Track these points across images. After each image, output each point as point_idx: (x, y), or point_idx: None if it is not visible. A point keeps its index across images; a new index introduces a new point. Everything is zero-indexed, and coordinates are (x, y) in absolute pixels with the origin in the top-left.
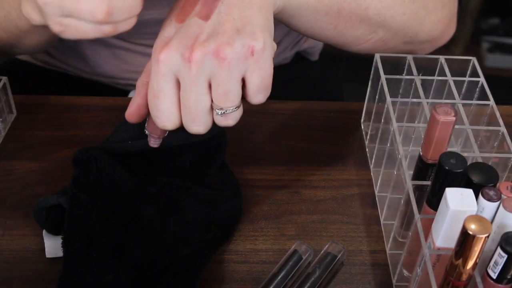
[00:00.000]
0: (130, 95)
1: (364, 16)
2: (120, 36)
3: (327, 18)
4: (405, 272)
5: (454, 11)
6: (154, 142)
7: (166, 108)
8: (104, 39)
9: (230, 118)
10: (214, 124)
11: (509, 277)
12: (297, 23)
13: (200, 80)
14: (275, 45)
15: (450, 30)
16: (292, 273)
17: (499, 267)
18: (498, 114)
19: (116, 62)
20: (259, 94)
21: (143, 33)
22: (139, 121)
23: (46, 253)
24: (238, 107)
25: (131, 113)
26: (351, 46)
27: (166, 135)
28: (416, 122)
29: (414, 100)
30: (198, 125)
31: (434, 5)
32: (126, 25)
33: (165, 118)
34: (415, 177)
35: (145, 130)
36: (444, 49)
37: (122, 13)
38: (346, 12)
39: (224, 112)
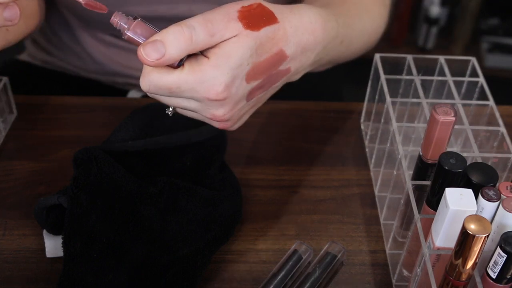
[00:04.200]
0: (129, 95)
1: (345, 57)
2: (112, 33)
3: (318, 68)
4: (405, 272)
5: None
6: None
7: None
8: (99, 36)
9: None
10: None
11: (508, 276)
12: None
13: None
14: None
15: None
16: (292, 273)
17: (499, 267)
18: (497, 114)
19: (112, 59)
20: None
21: None
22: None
23: (47, 253)
24: None
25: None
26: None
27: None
28: (416, 122)
29: (414, 100)
30: None
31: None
32: None
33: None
34: (415, 177)
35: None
36: (443, 49)
37: None
38: (337, 60)
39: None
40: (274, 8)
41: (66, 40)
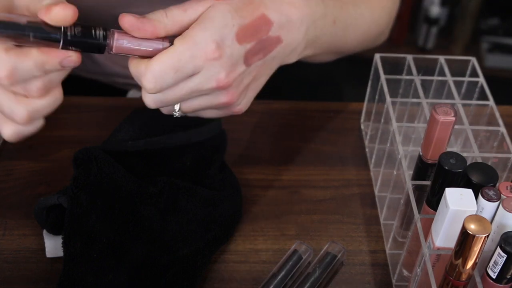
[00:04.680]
0: (129, 95)
1: (346, 44)
2: None
3: (323, 56)
4: (405, 272)
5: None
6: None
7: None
8: None
9: None
10: (214, 124)
11: (508, 276)
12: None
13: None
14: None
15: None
16: (292, 273)
17: (499, 267)
18: (497, 114)
19: (112, 60)
20: None
21: None
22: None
23: (47, 253)
24: None
25: (136, 27)
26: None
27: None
28: (416, 122)
29: (414, 100)
30: None
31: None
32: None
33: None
34: (415, 177)
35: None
36: (444, 49)
37: (25, 73)
38: (333, 49)
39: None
40: None
41: None
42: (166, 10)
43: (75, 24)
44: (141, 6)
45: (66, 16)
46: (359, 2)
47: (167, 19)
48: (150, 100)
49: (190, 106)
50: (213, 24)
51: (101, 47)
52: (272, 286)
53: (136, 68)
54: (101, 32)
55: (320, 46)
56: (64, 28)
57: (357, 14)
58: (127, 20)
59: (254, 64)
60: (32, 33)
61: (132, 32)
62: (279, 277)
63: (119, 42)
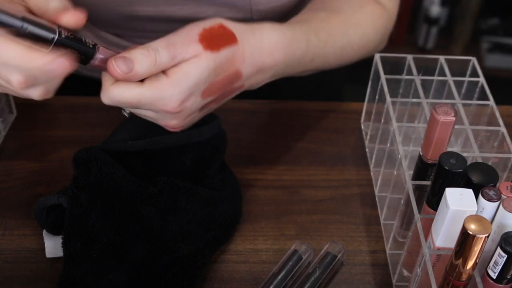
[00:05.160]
0: None
1: (325, 68)
2: (116, 33)
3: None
4: (405, 272)
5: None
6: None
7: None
8: (101, 35)
9: None
10: (214, 124)
11: (509, 277)
12: None
13: None
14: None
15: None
16: (292, 273)
17: (499, 267)
18: (498, 114)
19: None
20: None
21: (138, 30)
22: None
23: (46, 253)
24: None
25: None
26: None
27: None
28: (416, 122)
29: (414, 100)
30: None
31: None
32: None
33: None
34: (415, 177)
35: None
36: (443, 49)
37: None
38: (316, 69)
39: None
40: (235, 27)
41: None
42: (156, 55)
43: (68, 31)
44: (145, 5)
45: (78, 21)
46: (349, 29)
47: (155, 68)
48: (105, 101)
49: (139, 114)
50: (186, 82)
51: (88, 56)
52: (272, 286)
53: (104, 81)
54: (91, 42)
55: (290, 74)
56: (58, 29)
57: (344, 43)
58: (117, 73)
59: (209, 108)
60: (28, 28)
61: (121, 79)
62: (279, 277)
63: (100, 56)
